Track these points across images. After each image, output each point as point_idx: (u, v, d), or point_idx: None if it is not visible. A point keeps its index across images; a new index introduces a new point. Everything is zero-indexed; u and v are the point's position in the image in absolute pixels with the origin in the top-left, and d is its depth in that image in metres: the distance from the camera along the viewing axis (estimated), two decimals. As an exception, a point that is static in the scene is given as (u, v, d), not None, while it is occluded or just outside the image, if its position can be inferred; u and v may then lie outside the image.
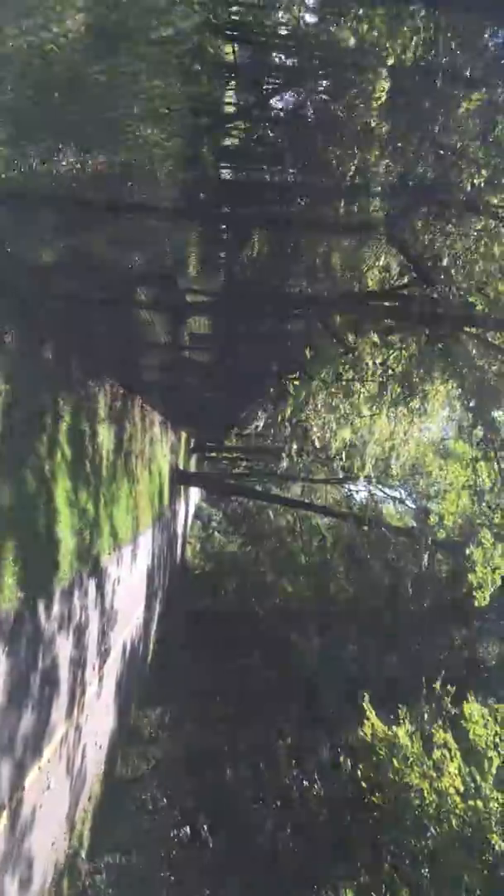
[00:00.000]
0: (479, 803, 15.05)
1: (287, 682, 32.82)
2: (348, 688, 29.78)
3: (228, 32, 20.62)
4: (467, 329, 18.51)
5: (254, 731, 28.25)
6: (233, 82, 23.06)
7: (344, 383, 26.88)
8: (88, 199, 12.30)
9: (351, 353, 24.90)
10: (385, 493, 42.59)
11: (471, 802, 15.09)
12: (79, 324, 13.88)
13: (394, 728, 17.89)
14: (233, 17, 20.44)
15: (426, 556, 34.23)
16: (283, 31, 20.77)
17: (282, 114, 23.65)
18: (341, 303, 20.41)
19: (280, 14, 20.84)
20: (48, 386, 12.29)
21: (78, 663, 13.84)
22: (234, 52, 22.15)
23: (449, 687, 24.08)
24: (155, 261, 18.32)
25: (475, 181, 16.81)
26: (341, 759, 24.24)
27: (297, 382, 31.63)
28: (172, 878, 18.99)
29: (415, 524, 36.22)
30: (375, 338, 23.38)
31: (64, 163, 11.51)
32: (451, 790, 15.31)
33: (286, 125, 22.57)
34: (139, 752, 20.84)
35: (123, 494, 18.27)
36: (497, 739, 17.78)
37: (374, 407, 28.12)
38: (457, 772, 15.41)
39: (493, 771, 16.68)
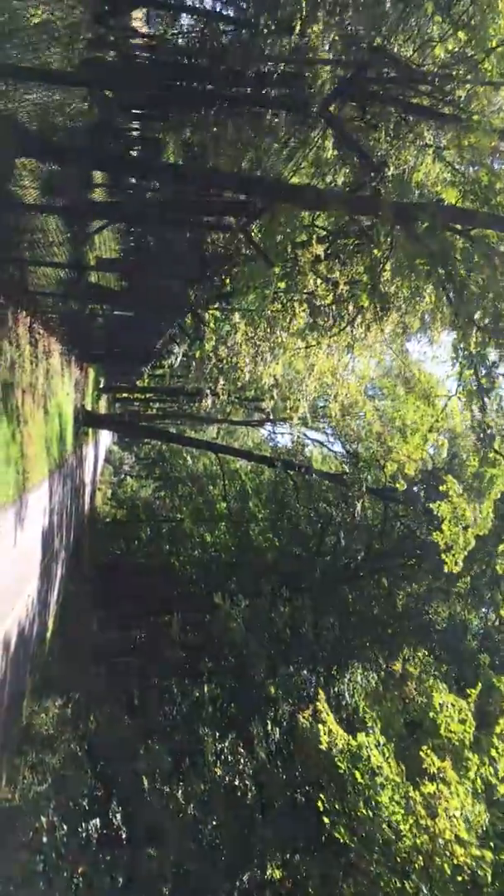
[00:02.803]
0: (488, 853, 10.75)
1: (212, 649, 28.41)
2: (281, 655, 25.67)
3: None
4: (452, 225, 13.82)
5: (174, 708, 23.79)
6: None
7: (279, 308, 22.25)
8: None
9: (289, 272, 20.19)
10: (312, 435, 38.23)
11: (475, 852, 10.74)
12: None
13: (359, 737, 13.39)
14: None
15: (359, 505, 30.15)
16: None
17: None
18: (280, 193, 15.17)
19: None
20: None
21: None
22: None
23: (412, 668, 20.13)
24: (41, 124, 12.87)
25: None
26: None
27: (217, 313, 26.99)
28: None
29: (347, 470, 31.96)
30: (318, 249, 18.52)
31: None
32: (449, 835, 10.93)
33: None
34: (33, 761, 15.91)
35: (1, 439, 12.96)
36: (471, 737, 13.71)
37: (312, 337, 23.69)
38: (459, 814, 10.96)
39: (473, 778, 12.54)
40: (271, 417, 40.99)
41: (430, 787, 11.21)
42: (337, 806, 12.39)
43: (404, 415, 21.94)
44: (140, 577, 37.01)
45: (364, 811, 11.97)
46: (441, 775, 11.38)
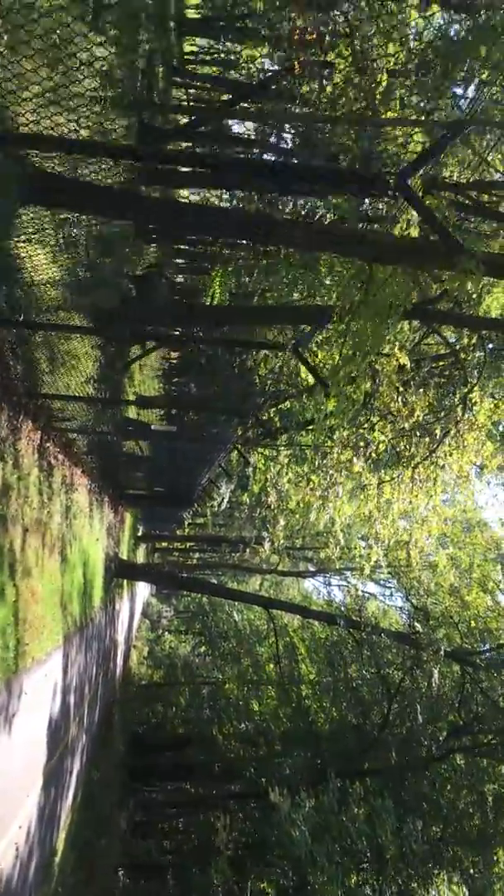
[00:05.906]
0: None
1: (266, 854, 22.06)
2: (354, 869, 19.44)
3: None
4: None
5: None
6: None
7: (345, 438, 18.08)
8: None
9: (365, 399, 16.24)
10: (369, 588, 32.83)
11: None
12: None
13: None
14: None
15: (436, 672, 24.45)
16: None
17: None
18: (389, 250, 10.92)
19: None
20: None
21: None
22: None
23: None
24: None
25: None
26: None
27: (266, 451, 23.11)
28: None
29: (419, 629, 26.25)
30: (403, 358, 14.37)
31: None
32: None
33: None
34: None
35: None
36: None
37: (384, 472, 19.67)
38: None
39: None
40: (324, 568, 35.83)
41: None
42: None
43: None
44: (177, 751, 30.92)
45: None
46: None
